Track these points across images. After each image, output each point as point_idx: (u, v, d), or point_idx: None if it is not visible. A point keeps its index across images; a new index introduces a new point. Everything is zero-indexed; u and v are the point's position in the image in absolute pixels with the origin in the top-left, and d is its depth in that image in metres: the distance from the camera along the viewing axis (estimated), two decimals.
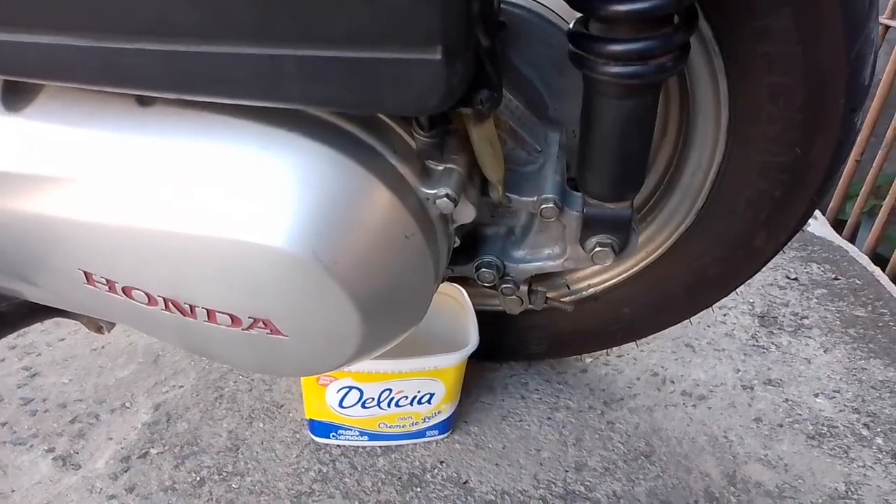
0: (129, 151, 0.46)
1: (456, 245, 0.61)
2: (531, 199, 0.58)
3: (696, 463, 0.81)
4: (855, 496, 0.77)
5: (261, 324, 0.50)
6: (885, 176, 1.34)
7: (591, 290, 0.79)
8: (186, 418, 0.83)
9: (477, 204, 0.54)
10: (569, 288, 0.80)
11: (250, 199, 0.45)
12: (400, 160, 0.50)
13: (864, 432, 0.86)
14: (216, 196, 0.45)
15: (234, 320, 0.50)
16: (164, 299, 0.50)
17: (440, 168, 0.52)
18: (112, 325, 0.71)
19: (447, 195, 0.50)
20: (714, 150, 0.63)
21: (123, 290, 0.50)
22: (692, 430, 0.86)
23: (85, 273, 0.51)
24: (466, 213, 0.54)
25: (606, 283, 0.78)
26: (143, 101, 0.47)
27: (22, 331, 0.96)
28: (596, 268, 0.78)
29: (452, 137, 0.53)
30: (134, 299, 0.51)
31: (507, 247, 0.67)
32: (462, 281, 0.83)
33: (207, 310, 0.49)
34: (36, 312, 0.66)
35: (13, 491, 0.73)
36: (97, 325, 0.71)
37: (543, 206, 0.57)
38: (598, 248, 0.58)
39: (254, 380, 0.89)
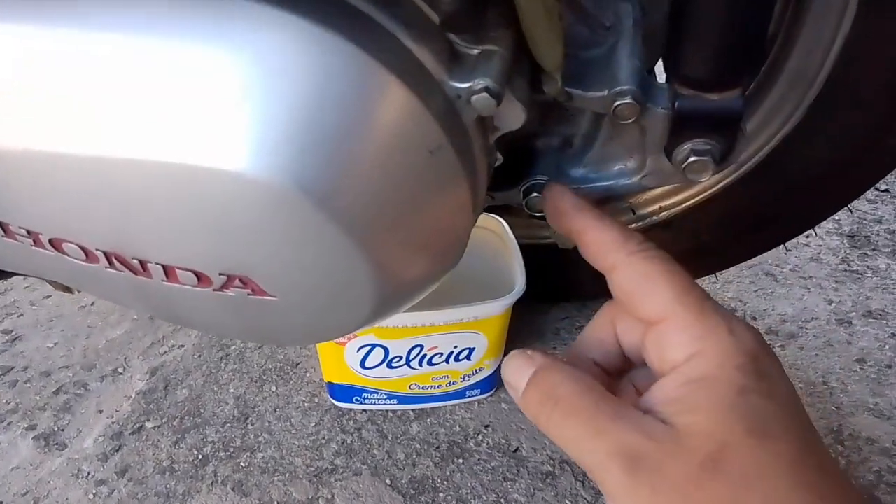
0: (44, 49, 0.32)
1: (498, 163, 0.45)
2: (600, 93, 0.41)
3: None
4: None
5: (237, 282, 0.36)
6: None
7: (663, 215, 0.64)
8: (187, 384, 0.71)
9: (527, 103, 0.39)
10: (634, 213, 0.65)
11: (199, 104, 0.30)
12: (418, 41, 0.34)
13: None
14: (153, 102, 0.30)
15: (202, 279, 0.36)
16: (105, 254, 0.36)
17: (475, 51, 0.36)
18: None
19: (486, 88, 0.34)
20: (840, 17, 0.47)
21: (51, 242, 0.37)
22: None
23: None
24: (513, 117, 0.39)
25: (682, 206, 0.62)
26: None
27: (3, 289, 0.85)
28: (672, 186, 0.62)
29: (491, 9, 0.37)
30: (67, 254, 0.38)
31: (563, 163, 0.51)
32: (502, 210, 0.68)
33: (163, 265, 0.36)
34: None
35: None
36: (62, 285, 0.59)
37: (619, 102, 0.41)
38: (692, 159, 0.42)
39: None
